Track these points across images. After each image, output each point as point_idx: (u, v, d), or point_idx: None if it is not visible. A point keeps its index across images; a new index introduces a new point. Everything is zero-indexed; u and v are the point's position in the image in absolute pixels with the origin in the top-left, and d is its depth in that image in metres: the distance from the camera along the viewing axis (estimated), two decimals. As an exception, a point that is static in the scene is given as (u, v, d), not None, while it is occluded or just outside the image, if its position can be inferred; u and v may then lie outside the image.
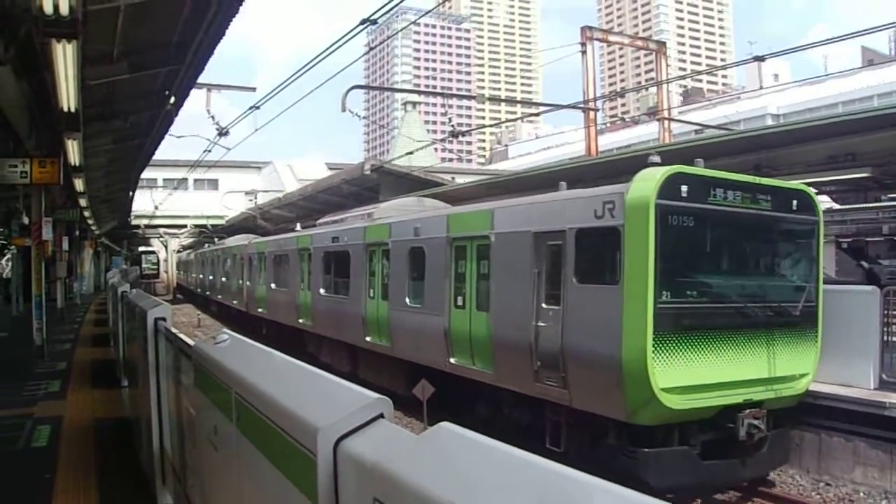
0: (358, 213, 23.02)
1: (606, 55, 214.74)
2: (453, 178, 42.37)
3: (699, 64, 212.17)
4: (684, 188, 10.89)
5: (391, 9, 14.41)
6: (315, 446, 2.27)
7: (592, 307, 11.37)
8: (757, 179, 12.05)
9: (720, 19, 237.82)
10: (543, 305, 12.35)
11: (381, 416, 2.28)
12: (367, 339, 19.04)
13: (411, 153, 33.40)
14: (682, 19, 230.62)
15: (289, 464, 2.66)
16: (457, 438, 1.92)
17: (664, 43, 43.43)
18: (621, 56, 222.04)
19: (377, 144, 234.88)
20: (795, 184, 12.73)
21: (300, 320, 24.76)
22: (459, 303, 14.89)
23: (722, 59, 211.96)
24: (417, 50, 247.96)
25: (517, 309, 12.91)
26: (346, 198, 36.91)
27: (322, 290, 22.77)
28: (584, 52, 34.87)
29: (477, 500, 1.57)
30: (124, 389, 13.52)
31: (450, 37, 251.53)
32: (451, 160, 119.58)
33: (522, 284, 12.78)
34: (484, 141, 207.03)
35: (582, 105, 34.57)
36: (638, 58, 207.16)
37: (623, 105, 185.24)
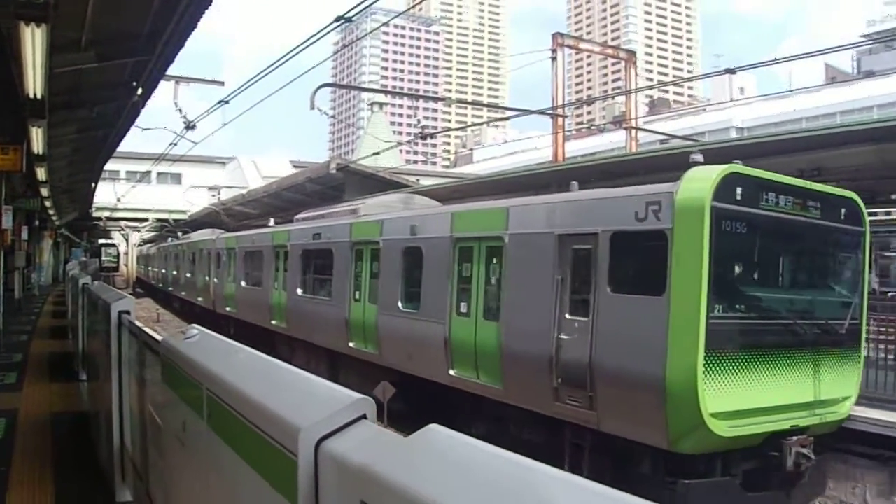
0: (341, 208, 21.62)
1: (574, 62, 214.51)
2: (418, 180, 41.81)
3: (666, 74, 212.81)
4: (739, 190, 9.74)
5: (366, 7, 13.61)
6: (296, 446, 2.24)
7: (630, 320, 10.11)
8: (808, 184, 10.91)
9: (688, 31, 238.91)
10: (567, 316, 11.08)
11: (364, 416, 2.26)
12: (351, 344, 17.63)
13: (378, 153, 32.78)
14: (650, 29, 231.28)
15: (266, 464, 2.59)
16: (447, 440, 1.92)
17: (634, 52, 43.18)
18: (588, 63, 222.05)
19: (342, 144, 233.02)
20: (844, 191, 11.59)
21: (273, 321, 23.24)
22: (463, 310, 13.55)
23: (688, 71, 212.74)
24: (386, 51, 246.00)
25: (534, 319, 11.64)
26: (310, 196, 36.30)
27: (300, 291, 21.29)
28: (554, 59, 34.42)
29: (468, 502, 1.56)
30: (83, 383, 13.10)
31: (419, 38, 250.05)
32: (415, 162, 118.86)
33: (542, 292, 11.50)
34: (449, 144, 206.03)
35: (551, 111, 34.13)
36: (605, 66, 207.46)
37: (589, 112, 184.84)
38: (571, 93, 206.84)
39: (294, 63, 16.20)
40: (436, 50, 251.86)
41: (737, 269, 10.11)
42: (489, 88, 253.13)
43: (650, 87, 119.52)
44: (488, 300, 13.03)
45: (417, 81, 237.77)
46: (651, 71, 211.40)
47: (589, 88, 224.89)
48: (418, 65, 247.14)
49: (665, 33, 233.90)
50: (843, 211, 11.32)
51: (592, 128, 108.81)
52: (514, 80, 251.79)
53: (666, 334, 9.45)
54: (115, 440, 7.04)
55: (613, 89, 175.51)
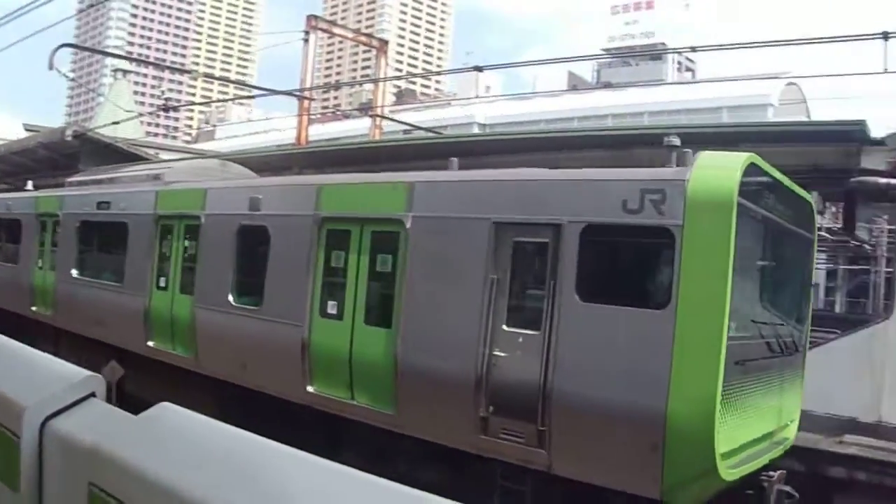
0: (135, 172, 17.55)
1: (326, 45, 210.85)
2: (157, 154, 38.71)
3: (416, 66, 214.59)
4: (753, 185, 7.68)
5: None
6: (19, 426, 2.04)
7: (611, 337, 7.71)
8: (792, 185, 9.06)
9: (441, 26, 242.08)
10: (505, 328, 8.45)
11: (93, 395, 2.17)
12: (150, 343, 13.93)
13: (117, 123, 30.59)
14: (404, 21, 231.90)
15: None
16: (180, 419, 1.83)
17: (387, 42, 43.01)
18: (340, 49, 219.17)
19: (82, 110, 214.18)
20: (804, 192, 9.84)
21: (33, 308, 18.64)
22: (332, 310, 10.48)
23: (438, 65, 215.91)
24: (135, 16, 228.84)
25: (451, 328, 8.99)
26: (40, 162, 32.75)
27: (75, 272, 17.01)
28: (306, 41, 33.26)
29: (202, 480, 1.52)
30: None
31: (170, 6, 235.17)
32: (156, 135, 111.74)
33: (464, 294, 8.84)
34: (192, 119, 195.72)
35: (298, 93, 33.04)
36: (356, 53, 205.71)
37: (336, 98, 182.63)
38: (321, 76, 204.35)
39: (33, 17, 13.58)
40: (187, 20, 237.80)
41: (746, 279, 8.01)
42: (238, 65, 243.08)
43: (399, 78, 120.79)
44: (374, 300, 10.12)
45: (165, 51, 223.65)
46: (401, 62, 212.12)
47: (338, 73, 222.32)
48: (167, 34, 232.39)
49: (419, 26, 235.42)
50: (803, 214, 9.68)
51: (338, 113, 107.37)
52: (264, 58, 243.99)
53: (670, 357, 7.18)
54: None
55: (363, 76, 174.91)
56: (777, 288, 9.55)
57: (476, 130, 79.64)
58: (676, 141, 8.26)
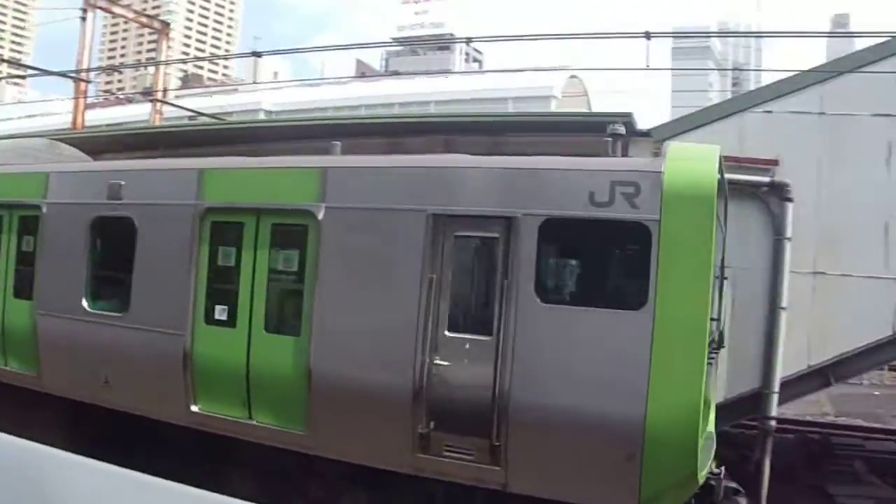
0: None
1: (110, 26, 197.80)
2: None
3: (203, 50, 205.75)
4: (719, 180, 7.13)
5: None
6: None
7: (579, 341, 6.93)
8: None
9: (231, 10, 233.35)
10: (448, 333, 7.43)
11: None
12: None
13: None
14: (193, 3, 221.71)
15: None
16: None
17: (169, 24, 41.21)
18: (125, 30, 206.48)
19: None
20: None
21: None
22: (221, 316, 8.95)
23: (227, 50, 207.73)
24: None
25: (381, 335, 7.82)
26: None
27: None
28: (84, 19, 30.69)
29: None
30: None
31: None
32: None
33: (396, 297, 7.74)
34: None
35: (74, 74, 30.33)
36: (142, 34, 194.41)
37: (120, 81, 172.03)
38: (104, 58, 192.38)
39: None
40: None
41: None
42: (12, 41, 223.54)
43: (182, 61, 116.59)
44: (277, 304, 8.75)
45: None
46: (189, 45, 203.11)
47: (123, 56, 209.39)
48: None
49: (208, 9, 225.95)
50: (724, 210, 9.37)
51: (121, 97, 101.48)
52: (41, 36, 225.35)
53: (648, 360, 6.54)
54: None
55: (148, 59, 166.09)
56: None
57: (262, 116, 77.44)
58: (621, 129, 7.60)
